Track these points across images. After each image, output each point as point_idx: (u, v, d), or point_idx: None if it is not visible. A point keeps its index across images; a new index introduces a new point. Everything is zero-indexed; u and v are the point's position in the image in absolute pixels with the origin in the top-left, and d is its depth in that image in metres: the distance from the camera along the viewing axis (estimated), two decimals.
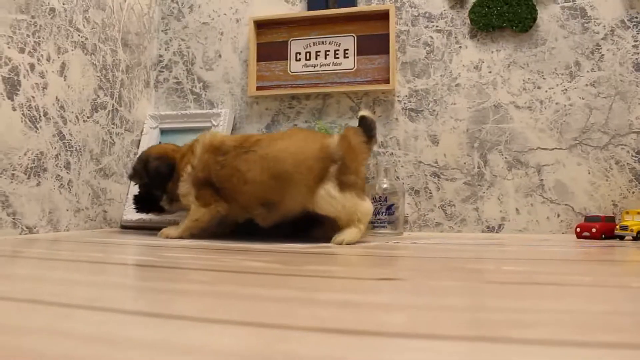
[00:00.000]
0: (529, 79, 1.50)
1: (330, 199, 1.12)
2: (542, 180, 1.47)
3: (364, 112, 1.22)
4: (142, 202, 1.40)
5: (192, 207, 1.27)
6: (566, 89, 1.47)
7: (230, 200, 1.24)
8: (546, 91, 1.48)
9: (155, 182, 1.33)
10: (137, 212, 1.42)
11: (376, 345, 0.35)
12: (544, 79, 1.49)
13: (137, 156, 1.41)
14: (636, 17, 1.43)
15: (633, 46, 1.43)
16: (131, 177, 1.39)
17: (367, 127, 1.20)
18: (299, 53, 1.65)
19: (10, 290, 0.53)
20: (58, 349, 0.33)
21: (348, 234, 1.13)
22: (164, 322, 0.40)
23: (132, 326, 0.39)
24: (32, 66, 1.23)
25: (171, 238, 1.26)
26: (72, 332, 0.37)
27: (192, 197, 1.27)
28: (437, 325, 0.40)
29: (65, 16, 1.34)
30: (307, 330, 0.38)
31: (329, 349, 0.34)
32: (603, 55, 1.45)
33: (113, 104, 1.55)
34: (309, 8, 1.65)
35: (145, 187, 1.37)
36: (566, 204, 1.45)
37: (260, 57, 1.68)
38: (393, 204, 1.40)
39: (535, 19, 1.48)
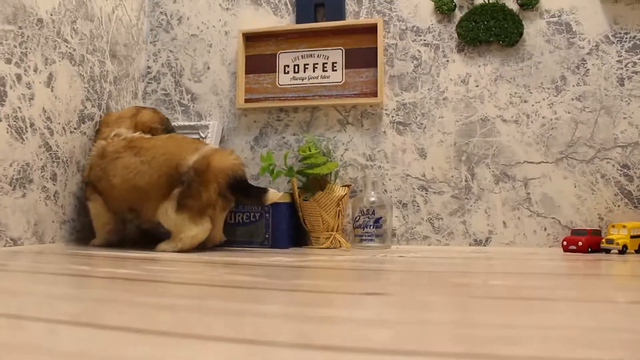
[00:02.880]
0: (515, 93, 1.51)
1: (166, 216, 1.21)
2: (528, 193, 1.48)
3: (271, 194, 1.23)
4: None
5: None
6: (552, 103, 1.48)
7: (106, 202, 1.32)
8: (533, 105, 1.49)
9: None
10: None
11: None
12: (531, 93, 1.50)
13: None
14: (620, 33, 1.45)
15: (617, 61, 1.45)
16: None
17: (246, 189, 1.24)
18: (288, 66, 1.65)
19: (6, 305, 0.52)
20: None
21: (164, 244, 1.23)
22: (148, 338, 0.40)
23: (115, 342, 0.38)
24: (18, 77, 1.22)
25: (96, 246, 1.35)
26: (56, 348, 0.37)
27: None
28: (424, 341, 0.40)
29: (53, 27, 1.34)
30: (293, 346, 0.38)
31: None
32: (588, 70, 1.47)
33: (100, 115, 1.54)
34: (298, 21, 1.65)
35: None
36: (553, 218, 1.46)
37: (249, 70, 1.68)
38: (381, 217, 1.40)
39: (521, 34, 1.49)
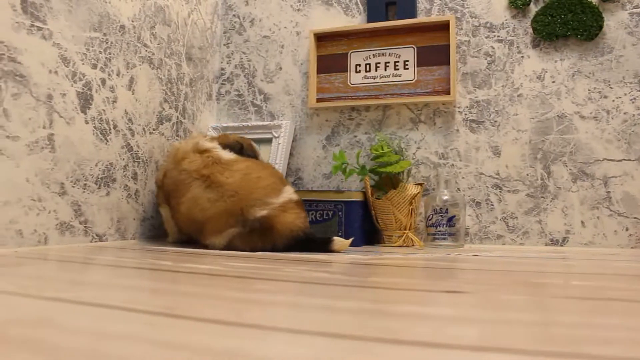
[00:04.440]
0: (594, 88, 1.46)
1: (214, 246, 1.21)
2: (609, 192, 1.43)
3: (337, 243, 1.18)
4: None
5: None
6: (635, 98, 1.42)
7: (172, 216, 1.33)
8: (613, 101, 1.44)
9: None
10: None
11: (450, 358, 0.35)
12: (611, 88, 1.45)
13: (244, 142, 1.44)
14: None
15: None
16: None
17: (306, 243, 1.19)
18: (359, 65, 1.66)
19: (103, 297, 0.55)
20: (141, 354, 0.35)
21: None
22: (238, 331, 0.41)
23: (209, 334, 0.40)
24: (103, 81, 1.28)
25: (170, 243, 1.38)
26: (155, 339, 0.39)
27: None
28: (508, 339, 0.40)
29: (134, 33, 1.40)
30: (380, 341, 0.39)
31: None
32: None
33: (177, 116, 1.60)
34: (369, 20, 1.66)
35: None
36: (635, 217, 1.40)
37: (320, 69, 1.70)
38: (454, 216, 1.38)
39: (601, 27, 1.44)
